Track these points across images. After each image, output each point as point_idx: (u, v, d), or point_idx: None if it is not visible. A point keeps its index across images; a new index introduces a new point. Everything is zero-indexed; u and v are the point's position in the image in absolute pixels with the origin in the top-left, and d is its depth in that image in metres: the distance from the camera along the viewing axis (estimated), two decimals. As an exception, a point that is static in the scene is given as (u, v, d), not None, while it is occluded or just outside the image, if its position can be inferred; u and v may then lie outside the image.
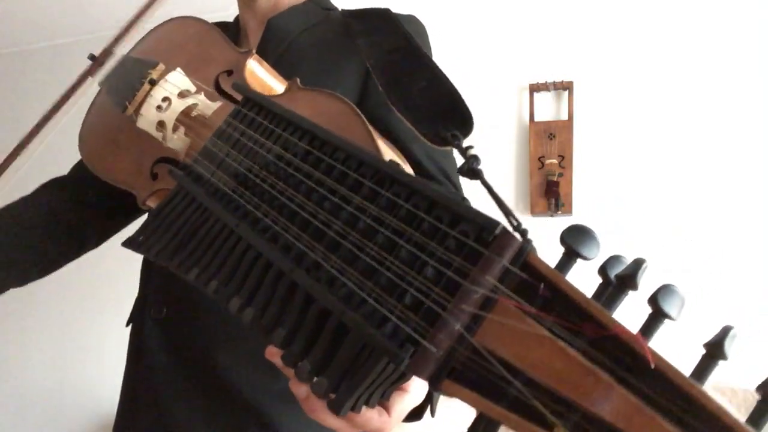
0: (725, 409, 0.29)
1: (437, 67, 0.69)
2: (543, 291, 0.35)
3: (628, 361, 0.32)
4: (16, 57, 3.43)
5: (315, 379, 0.40)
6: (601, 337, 0.33)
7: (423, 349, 0.35)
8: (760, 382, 0.31)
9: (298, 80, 0.68)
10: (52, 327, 3.12)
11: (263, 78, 0.76)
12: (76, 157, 0.89)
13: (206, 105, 0.70)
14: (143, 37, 0.91)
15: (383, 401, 0.45)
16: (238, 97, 0.64)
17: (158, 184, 0.72)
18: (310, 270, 0.43)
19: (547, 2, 2.55)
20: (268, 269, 0.46)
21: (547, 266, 0.36)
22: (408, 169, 0.60)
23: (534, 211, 2.44)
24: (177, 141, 0.69)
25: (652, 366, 0.30)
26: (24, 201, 0.88)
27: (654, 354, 0.31)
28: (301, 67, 0.86)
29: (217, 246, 0.50)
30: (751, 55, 2.32)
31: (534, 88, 2.49)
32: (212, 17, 0.90)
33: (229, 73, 0.75)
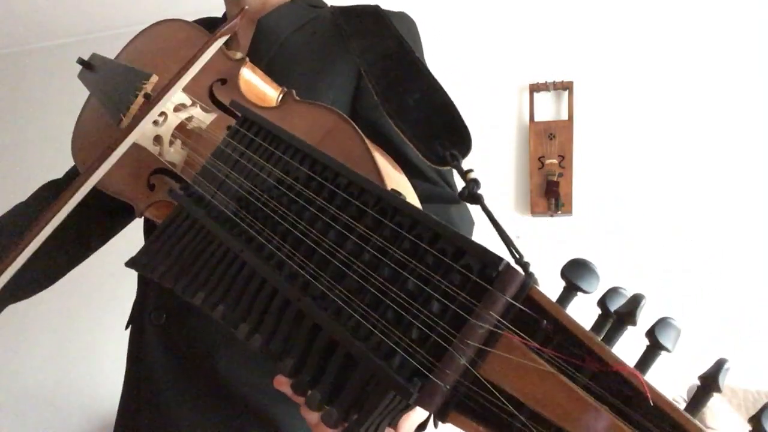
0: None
1: (431, 74, 0.70)
2: (546, 326, 0.36)
3: (628, 393, 0.34)
4: (16, 57, 3.41)
5: (325, 408, 0.41)
6: (602, 372, 0.34)
7: (431, 384, 0.37)
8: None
9: (294, 92, 0.68)
10: (53, 327, 3.13)
11: (257, 85, 0.75)
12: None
13: (202, 118, 0.70)
14: (131, 40, 0.90)
15: (392, 426, 0.47)
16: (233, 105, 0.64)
17: (156, 195, 0.73)
18: (316, 299, 0.44)
19: (547, 2, 2.53)
20: (274, 296, 0.47)
21: (549, 300, 0.37)
22: (411, 193, 0.60)
23: (534, 211, 2.44)
24: (174, 154, 0.69)
25: (651, 403, 0.32)
26: (26, 208, 0.86)
27: (652, 390, 0.33)
28: (294, 69, 0.85)
29: (222, 270, 0.51)
30: (751, 55, 2.31)
31: (534, 88, 2.49)
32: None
33: (223, 81, 0.74)
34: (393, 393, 0.38)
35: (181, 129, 0.69)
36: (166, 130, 0.68)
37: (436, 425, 0.56)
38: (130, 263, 0.59)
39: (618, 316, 0.36)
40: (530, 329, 0.36)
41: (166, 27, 0.86)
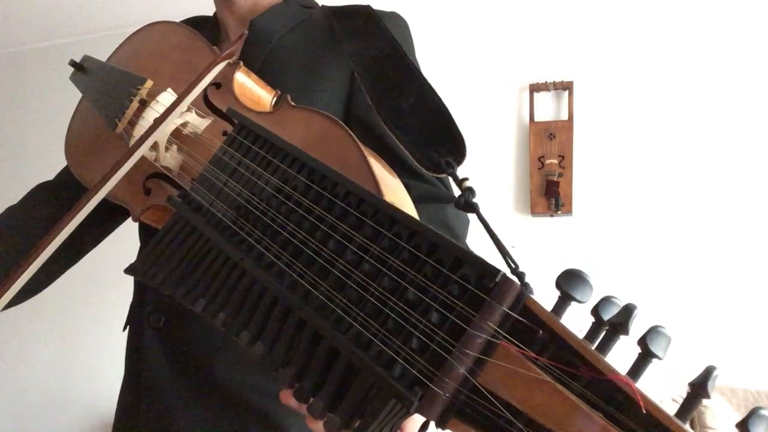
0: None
1: (424, 78, 0.70)
2: (542, 335, 0.37)
3: (620, 399, 0.36)
4: (16, 57, 3.39)
5: (328, 415, 0.42)
6: (596, 380, 0.35)
7: (431, 392, 0.38)
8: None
9: (289, 97, 0.68)
10: (53, 326, 3.12)
11: (252, 89, 0.76)
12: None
13: (197, 123, 0.70)
14: (123, 43, 0.90)
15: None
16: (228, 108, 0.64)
17: (152, 200, 0.73)
18: (317, 309, 0.45)
19: (547, 2, 2.53)
20: (275, 304, 0.48)
21: (544, 310, 0.38)
22: (407, 198, 0.61)
23: (534, 211, 2.45)
24: (170, 159, 0.70)
25: (644, 411, 0.33)
26: (20, 211, 0.86)
27: (644, 398, 0.34)
28: (288, 71, 0.86)
29: (222, 278, 0.52)
30: (751, 55, 2.32)
31: (534, 88, 2.50)
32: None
33: (217, 86, 0.75)
34: (394, 401, 0.40)
35: (177, 134, 0.70)
36: (162, 136, 0.68)
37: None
38: (130, 270, 0.59)
39: (611, 326, 0.37)
40: (527, 338, 0.38)
41: (158, 30, 0.86)
